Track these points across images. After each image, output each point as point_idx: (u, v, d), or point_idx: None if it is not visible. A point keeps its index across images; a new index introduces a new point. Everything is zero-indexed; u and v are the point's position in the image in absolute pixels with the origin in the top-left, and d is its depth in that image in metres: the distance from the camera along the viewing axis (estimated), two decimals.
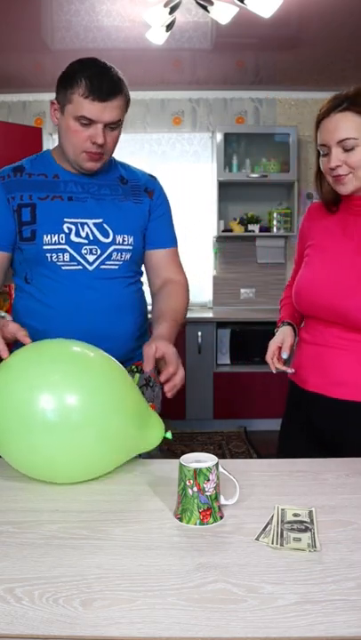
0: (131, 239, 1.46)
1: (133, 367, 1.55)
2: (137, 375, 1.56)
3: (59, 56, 3.63)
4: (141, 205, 1.49)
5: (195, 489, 0.98)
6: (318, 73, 4.03)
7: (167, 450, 3.66)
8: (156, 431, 1.19)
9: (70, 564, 0.87)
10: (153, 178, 1.56)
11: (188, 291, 1.59)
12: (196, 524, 0.99)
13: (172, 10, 2.77)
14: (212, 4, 2.73)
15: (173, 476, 1.04)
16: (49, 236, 1.39)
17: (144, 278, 1.60)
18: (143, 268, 1.60)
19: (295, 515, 1.02)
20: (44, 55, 3.64)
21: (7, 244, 1.43)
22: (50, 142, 4.46)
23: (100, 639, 0.72)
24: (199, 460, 1.02)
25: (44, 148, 4.17)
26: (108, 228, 1.43)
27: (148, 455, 1.53)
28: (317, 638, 0.72)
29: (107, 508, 1.06)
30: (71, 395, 1.05)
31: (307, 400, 1.46)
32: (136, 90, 4.48)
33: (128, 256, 1.46)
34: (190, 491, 0.99)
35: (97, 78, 1.29)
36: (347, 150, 1.29)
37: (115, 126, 1.35)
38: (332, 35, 3.35)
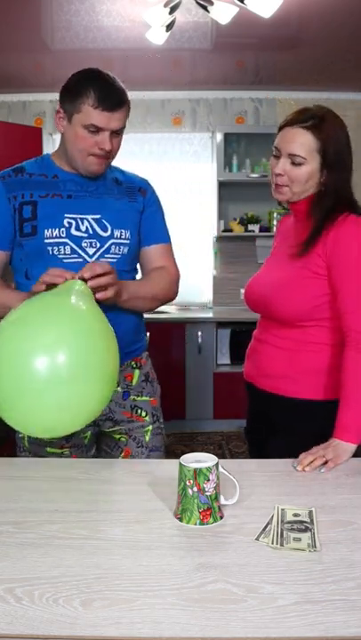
0: (127, 234, 1.51)
1: (133, 363, 1.57)
2: (136, 372, 1.58)
3: (59, 56, 3.63)
4: (136, 204, 1.55)
5: (195, 489, 0.98)
6: (318, 73, 4.03)
7: (167, 450, 3.66)
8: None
9: (70, 564, 0.87)
10: (145, 180, 1.63)
11: (175, 282, 1.60)
12: (196, 524, 0.99)
13: (172, 10, 2.76)
14: (212, 3, 2.73)
15: (173, 476, 1.04)
16: (50, 230, 1.43)
17: (139, 276, 1.64)
18: (138, 267, 1.64)
19: (295, 515, 1.02)
20: (44, 55, 3.64)
21: (6, 243, 1.46)
22: (50, 142, 4.46)
23: (100, 639, 0.72)
24: (199, 460, 1.02)
25: (44, 148, 4.20)
26: (107, 223, 1.48)
27: (148, 456, 1.54)
28: (317, 638, 0.72)
29: (107, 508, 1.06)
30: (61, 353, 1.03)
31: (247, 389, 1.60)
32: (136, 90, 4.49)
33: (126, 250, 1.50)
34: (190, 491, 0.99)
35: (105, 90, 1.38)
36: (293, 164, 1.39)
37: (119, 132, 1.43)
38: (332, 35, 3.34)
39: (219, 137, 4.32)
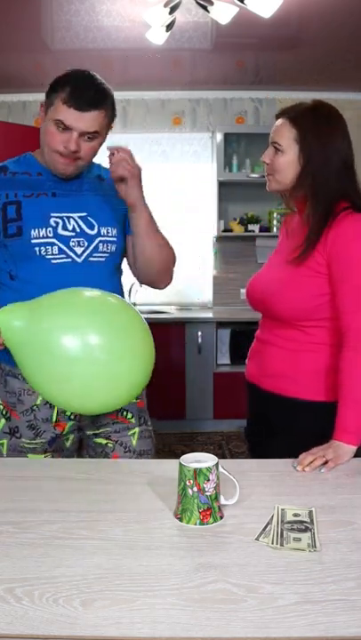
0: (114, 231, 1.49)
1: None
2: None
3: (59, 56, 3.63)
4: (121, 200, 1.50)
5: (195, 489, 0.98)
6: (318, 73, 4.03)
7: (167, 450, 3.66)
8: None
9: (70, 564, 0.87)
10: None
11: (174, 258, 1.59)
12: (196, 524, 0.99)
13: (172, 10, 2.77)
14: (212, 4, 2.73)
15: (173, 476, 1.04)
16: (36, 231, 1.40)
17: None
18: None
19: (295, 515, 1.02)
20: (44, 55, 3.64)
21: None
22: None
23: (100, 639, 0.72)
24: (199, 460, 1.02)
25: None
26: (93, 221, 1.46)
27: (149, 456, 1.53)
28: (317, 638, 0.72)
29: (107, 508, 1.06)
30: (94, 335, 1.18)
31: (249, 389, 1.60)
32: (136, 90, 4.49)
33: (113, 247, 1.49)
34: (190, 491, 0.99)
35: (80, 88, 1.34)
36: (276, 153, 1.43)
37: (92, 137, 1.38)
38: (332, 35, 3.34)
39: (219, 137, 4.32)
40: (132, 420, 1.52)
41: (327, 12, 3.06)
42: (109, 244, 1.48)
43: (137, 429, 1.53)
